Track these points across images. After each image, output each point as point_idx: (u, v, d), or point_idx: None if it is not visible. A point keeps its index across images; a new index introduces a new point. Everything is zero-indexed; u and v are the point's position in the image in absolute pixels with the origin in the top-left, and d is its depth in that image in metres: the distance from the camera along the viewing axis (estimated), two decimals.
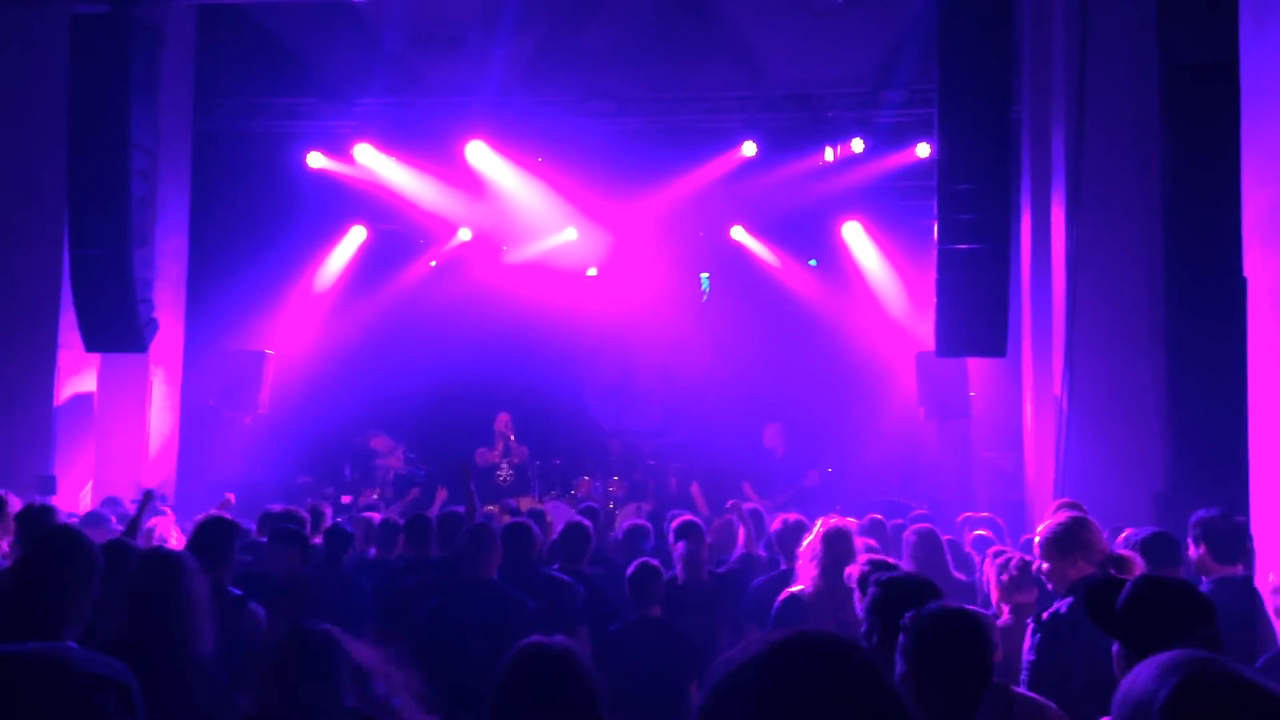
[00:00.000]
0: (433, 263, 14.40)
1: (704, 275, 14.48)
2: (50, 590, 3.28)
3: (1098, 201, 8.53)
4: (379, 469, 12.47)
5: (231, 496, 8.23)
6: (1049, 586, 4.36)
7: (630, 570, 5.42)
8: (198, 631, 3.60)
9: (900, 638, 2.84)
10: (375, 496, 11.76)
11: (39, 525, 5.35)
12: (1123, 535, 5.41)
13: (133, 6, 8.74)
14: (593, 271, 14.33)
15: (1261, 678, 1.65)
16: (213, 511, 7.82)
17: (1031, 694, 3.42)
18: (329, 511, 7.70)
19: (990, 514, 8.20)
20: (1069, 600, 4.08)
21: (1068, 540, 4.27)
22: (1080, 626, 3.67)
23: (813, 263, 14.08)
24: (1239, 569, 5.03)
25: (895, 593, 3.29)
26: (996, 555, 5.39)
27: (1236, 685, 1.62)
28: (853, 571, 4.05)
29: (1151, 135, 8.64)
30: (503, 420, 12.21)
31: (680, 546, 6.15)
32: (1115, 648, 2.86)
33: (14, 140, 9.59)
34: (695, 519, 6.93)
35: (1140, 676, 1.70)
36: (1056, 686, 3.67)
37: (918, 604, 2.94)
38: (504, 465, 11.94)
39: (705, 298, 14.42)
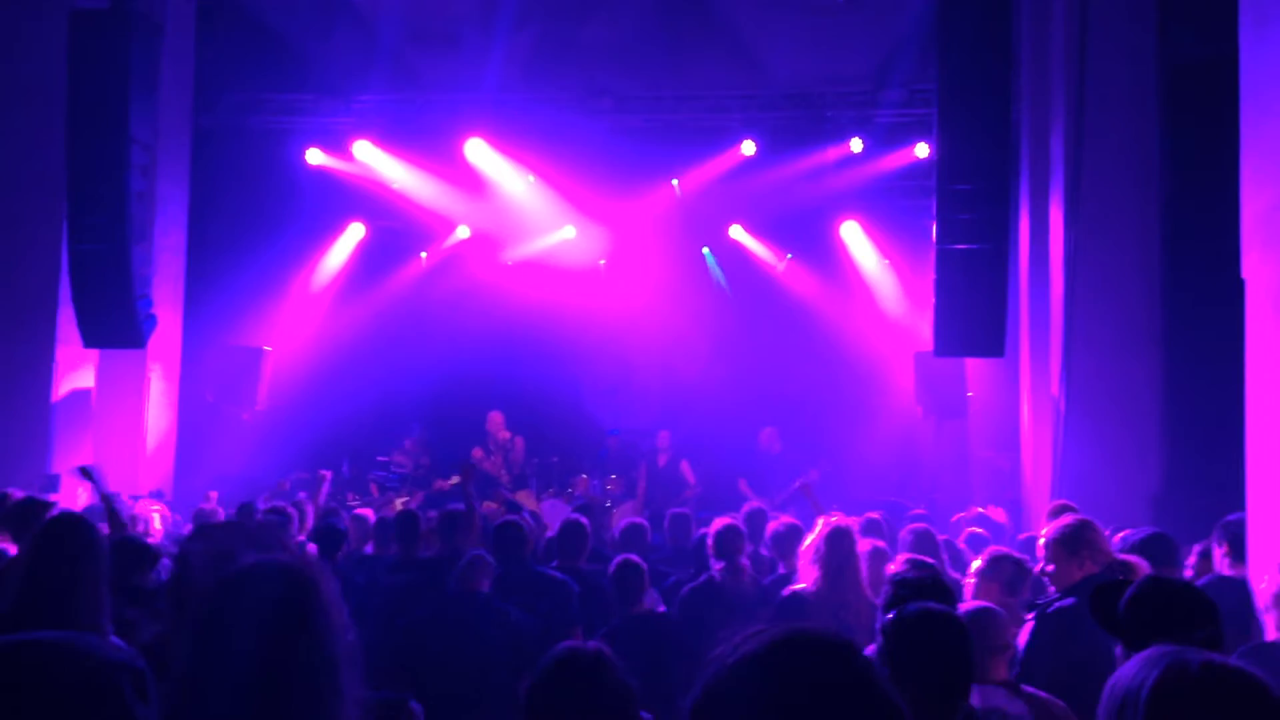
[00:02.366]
0: (423, 254, 14.36)
1: (706, 250, 14.39)
2: (59, 578, 3.26)
3: (1096, 201, 8.54)
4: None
5: (214, 495, 8.21)
6: (1050, 588, 4.36)
7: (612, 568, 5.39)
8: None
9: (880, 641, 2.82)
10: (375, 493, 11.76)
11: (33, 520, 5.33)
12: (1120, 535, 5.42)
13: (132, 1, 8.73)
14: (602, 262, 14.27)
15: (1244, 665, 1.68)
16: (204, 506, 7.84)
17: (1040, 692, 3.42)
18: (310, 510, 7.64)
19: (983, 510, 8.20)
20: (1071, 600, 4.09)
21: (1075, 541, 4.28)
22: (1082, 626, 3.67)
23: (788, 257, 14.05)
24: (1244, 571, 5.06)
25: (906, 593, 3.29)
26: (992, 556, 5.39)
27: (1217, 672, 1.67)
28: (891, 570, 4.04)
29: (1150, 135, 8.64)
30: (494, 420, 12.13)
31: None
32: (1118, 649, 2.86)
33: (13, 135, 9.57)
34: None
35: (1127, 669, 1.75)
36: (1046, 685, 3.67)
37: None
38: (503, 474, 11.90)
39: (723, 284, 14.33)
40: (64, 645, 1.58)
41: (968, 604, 3.77)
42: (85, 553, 3.33)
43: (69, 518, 3.55)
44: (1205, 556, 5.32)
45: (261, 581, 2.11)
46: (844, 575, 4.90)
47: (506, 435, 12.11)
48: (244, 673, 1.98)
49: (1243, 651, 4.04)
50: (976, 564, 4.87)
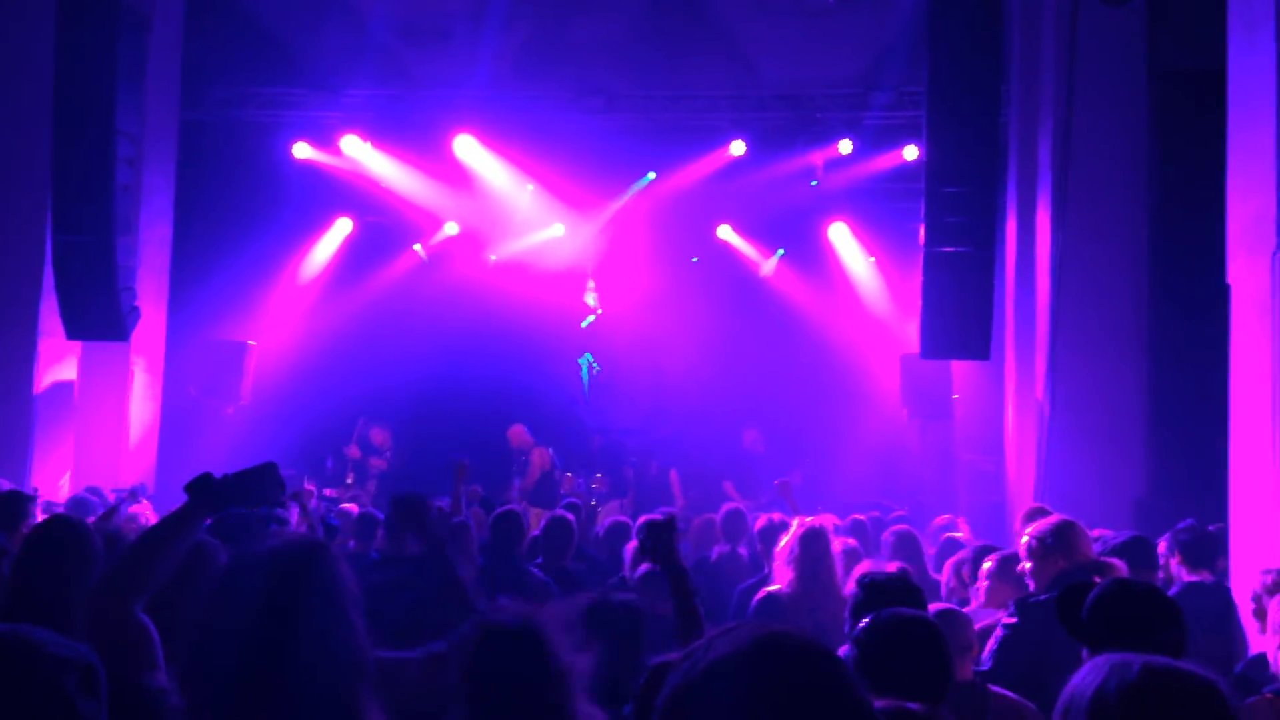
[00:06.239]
0: (418, 247, 14.29)
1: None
2: (51, 578, 3.30)
3: (1083, 206, 8.57)
4: (369, 464, 12.44)
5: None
6: (1030, 585, 4.37)
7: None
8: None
9: (853, 649, 2.81)
10: (350, 481, 11.73)
11: (16, 513, 5.33)
12: (1100, 537, 5.43)
13: None
14: (590, 280, 14.27)
15: (1194, 668, 1.71)
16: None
17: (1008, 693, 3.42)
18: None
19: (953, 517, 8.17)
20: (1045, 596, 4.09)
21: (1054, 541, 4.29)
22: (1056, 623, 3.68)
23: (780, 253, 14.05)
24: (1207, 575, 5.09)
25: (874, 594, 3.30)
26: (960, 563, 5.41)
27: (1158, 675, 1.69)
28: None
29: (1138, 141, 8.68)
30: (518, 434, 11.97)
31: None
32: (1084, 652, 2.86)
33: None
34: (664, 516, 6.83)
35: (1078, 674, 1.77)
36: (1020, 682, 3.66)
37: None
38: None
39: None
40: (8, 639, 1.58)
41: (933, 606, 3.78)
42: (76, 554, 3.40)
43: (60, 521, 3.66)
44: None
45: (273, 556, 2.38)
46: (818, 576, 4.92)
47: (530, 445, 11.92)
48: (251, 637, 2.21)
49: (1244, 665, 4.05)
50: (987, 565, 4.90)
